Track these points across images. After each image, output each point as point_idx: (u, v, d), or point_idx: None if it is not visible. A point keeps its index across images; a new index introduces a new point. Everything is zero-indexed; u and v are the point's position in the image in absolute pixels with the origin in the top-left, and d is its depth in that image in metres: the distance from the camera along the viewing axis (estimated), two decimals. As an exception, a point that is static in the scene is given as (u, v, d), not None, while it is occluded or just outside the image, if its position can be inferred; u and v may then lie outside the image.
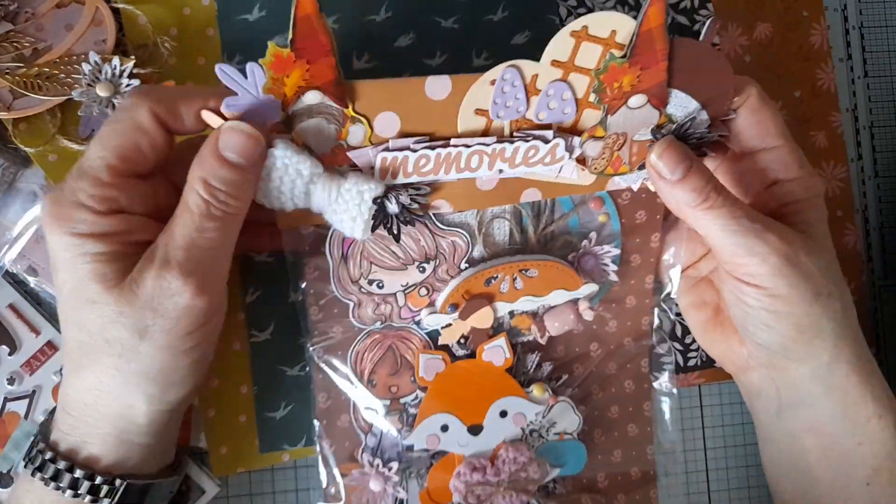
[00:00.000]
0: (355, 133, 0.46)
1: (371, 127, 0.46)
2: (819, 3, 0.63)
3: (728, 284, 0.48)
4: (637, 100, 0.47)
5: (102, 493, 0.43)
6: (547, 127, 0.48)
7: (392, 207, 0.47)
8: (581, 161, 0.49)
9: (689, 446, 0.62)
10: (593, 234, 0.53)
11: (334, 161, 0.46)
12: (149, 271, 0.41)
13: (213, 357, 0.47)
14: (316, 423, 0.53)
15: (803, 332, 0.46)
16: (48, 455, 0.43)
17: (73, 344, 0.43)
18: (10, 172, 0.51)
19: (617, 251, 0.53)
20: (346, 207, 0.45)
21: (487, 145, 0.47)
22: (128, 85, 0.48)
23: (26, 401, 0.52)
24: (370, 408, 0.53)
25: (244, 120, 0.43)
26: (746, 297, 0.47)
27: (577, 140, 0.48)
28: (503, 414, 0.52)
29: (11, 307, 0.52)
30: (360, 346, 0.52)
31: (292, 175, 0.44)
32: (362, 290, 0.51)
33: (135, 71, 0.49)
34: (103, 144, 0.41)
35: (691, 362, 0.60)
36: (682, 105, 0.47)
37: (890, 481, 0.47)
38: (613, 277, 0.54)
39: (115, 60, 0.48)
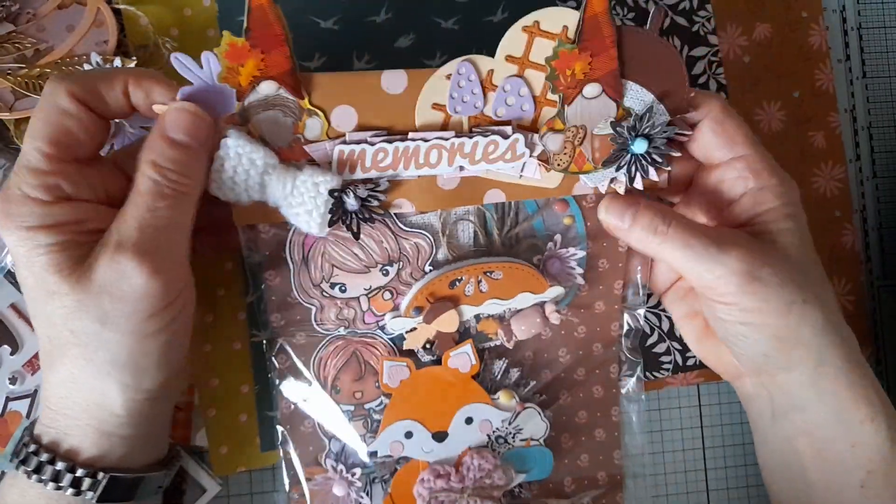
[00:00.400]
0: (312, 126, 0.45)
1: (328, 120, 0.45)
2: (818, 3, 0.62)
3: (703, 303, 0.48)
4: (592, 89, 0.46)
5: (85, 486, 0.42)
6: (506, 123, 0.47)
7: (350, 202, 0.45)
8: (544, 160, 0.48)
9: (687, 445, 0.60)
10: (558, 237, 0.51)
11: (292, 156, 0.45)
12: (103, 256, 0.40)
13: (187, 342, 0.45)
14: (279, 428, 0.51)
15: (783, 341, 0.45)
16: (31, 448, 0.42)
17: (44, 338, 0.42)
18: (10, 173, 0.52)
19: (582, 254, 0.52)
20: (301, 200, 0.44)
21: (446, 139, 0.46)
22: None
23: (28, 400, 0.51)
24: (334, 414, 0.51)
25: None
26: (720, 314, 0.46)
27: (536, 136, 0.47)
28: (469, 421, 0.51)
29: (13, 307, 0.51)
30: (324, 352, 0.50)
31: (246, 165, 0.43)
32: (324, 293, 0.49)
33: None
34: (33, 135, 0.40)
35: (690, 362, 0.59)
36: (638, 98, 0.47)
37: (884, 484, 0.46)
38: (580, 280, 0.52)
39: (117, 61, 0.48)
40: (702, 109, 0.47)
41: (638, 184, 0.48)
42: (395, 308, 0.50)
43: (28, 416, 0.52)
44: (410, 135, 0.46)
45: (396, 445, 0.51)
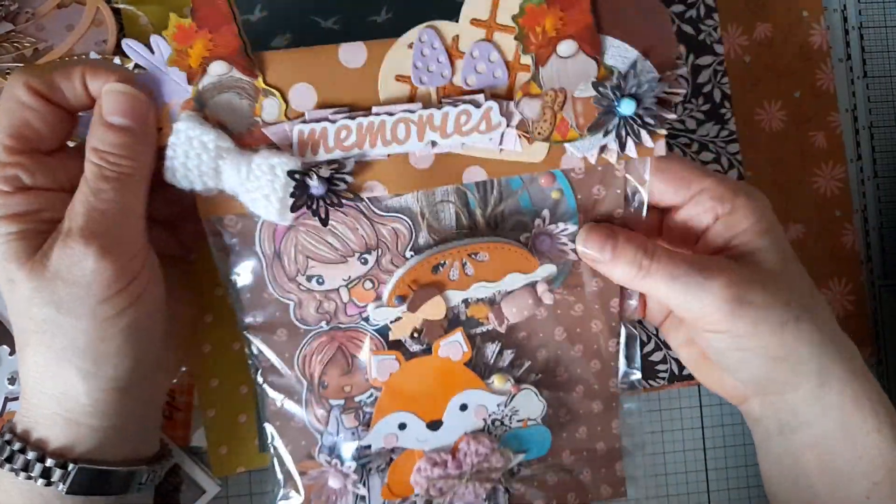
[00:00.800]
0: (269, 107, 0.41)
1: (286, 100, 0.41)
2: (819, 3, 0.59)
3: (695, 334, 0.46)
4: (567, 46, 0.42)
5: (55, 477, 0.40)
6: (478, 92, 0.42)
7: (314, 186, 0.41)
8: (524, 130, 0.43)
9: (688, 446, 0.58)
10: (546, 213, 0.46)
11: (251, 140, 0.42)
12: (57, 243, 0.39)
13: (158, 331, 0.43)
14: (267, 426, 0.48)
15: (781, 362, 0.44)
16: (6, 437, 0.41)
17: (14, 328, 0.41)
18: None
19: (574, 228, 0.47)
20: (258, 185, 0.41)
21: (413, 112, 0.42)
22: None
23: None
24: (323, 409, 0.48)
25: (154, 99, 0.40)
26: (714, 343, 0.44)
27: (512, 104, 0.42)
28: (463, 408, 0.48)
29: None
30: (308, 348, 0.47)
31: (197, 149, 0.40)
32: (301, 287, 0.46)
33: (136, 71, 0.49)
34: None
35: (686, 371, 0.55)
36: (620, 56, 0.42)
37: (890, 494, 0.44)
38: (573, 256, 0.47)
39: (116, 60, 0.47)
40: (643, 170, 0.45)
41: (631, 151, 0.43)
42: (378, 298, 0.47)
43: (27, 416, 0.51)
44: (374, 109, 0.42)
45: (390, 438, 0.48)
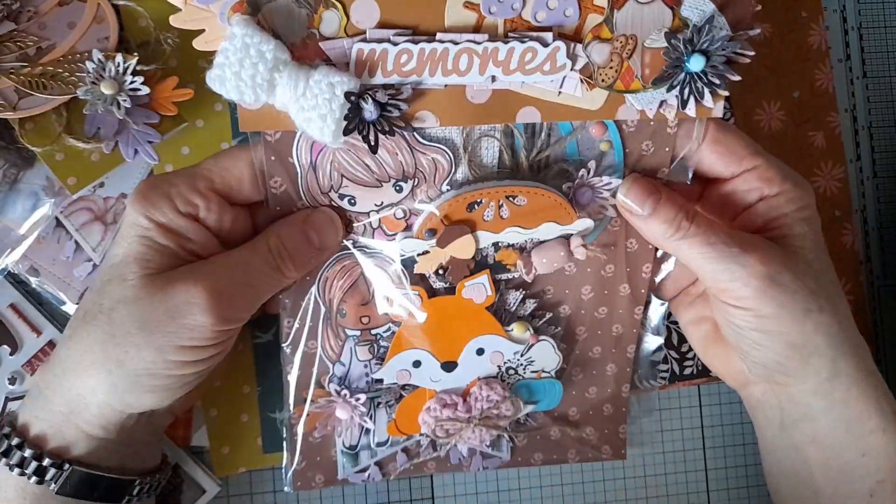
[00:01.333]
0: (329, 21, 0.39)
1: (347, 15, 0.39)
2: (818, 3, 0.59)
3: (716, 307, 0.45)
4: None
5: (48, 476, 0.41)
6: (546, 30, 0.40)
7: (368, 110, 0.39)
8: (587, 76, 0.41)
9: (688, 446, 0.58)
10: (592, 164, 0.45)
11: (305, 55, 0.39)
12: (184, 277, 0.40)
13: (192, 394, 0.46)
14: (283, 346, 0.48)
15: (797, 349, 0.43)
16: (5, 430, 0.42)
17: (80, 311, 0.42)
18: (11, 173, 0.49)
19: (618, 182, 0.45)
20: (314, 103, 0.39)
21: (478, 43, 0.39)
22: (132, 82, 0.46)
23: None
24: (338, 339, 0.48)
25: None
26: (735, 319, 0.44)
27: (580, 47, 0.40)
28: (480, 352, 0.48)
29: (13, 307, 0.51)
30: (330, 271, 0.46)
31: (254, 57, 0.38)
32: (333, 203, 0.44)
33: (138, 68, 0.46)
34: (218, 162, 0.43)
35: (687, 371, 0.57)
36: (696, 7, 0.40)
37: (893, 493, 0.45)
38: (611, 213, 0.46)
39: (119, 58, 0.45)
40: (699, 131, 0.44)
41: (691, 109, 0.42)
42: (408, 228, 0.45)
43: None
44: (438, 36, 0.39)
45: (403, 374, 0.48)
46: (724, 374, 0.50)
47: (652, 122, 0.44)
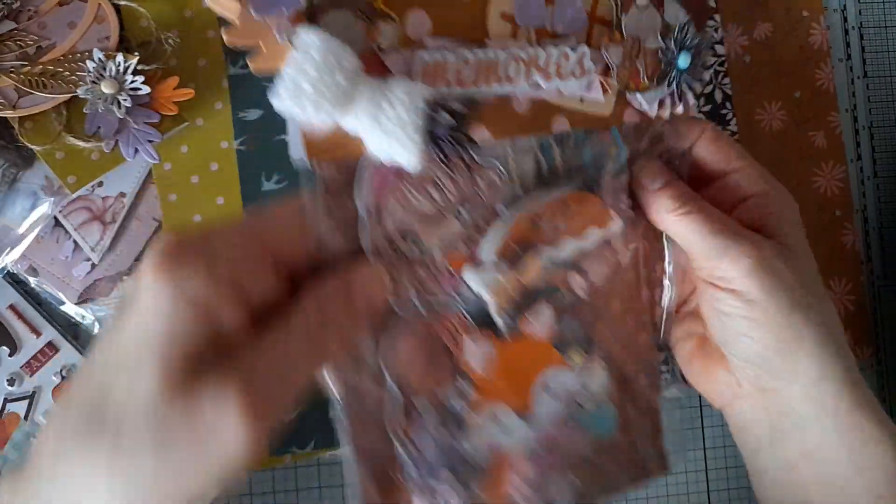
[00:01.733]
0: (386, 33, 0.38)
1: (402, 26, 0.38)
2: (819, 3, 0.59)
3: (705, 295, 0.45)
4: None
5: None
6: (567, 37, 0.42)
7: (444, 122, 0.35)
8: (605, 76, 0.42)
9: (688, 446, 0.58)
10: (610, 167, 0.45)
11: (370, 68, 0.36)
12: (215, 379, 0.31)
13: None
14: (347, 447, 0.40)
15: (784, 342, 0.43)
16: None
17: (74, 412, 0.32)
18: (10, 173, 0.48)
19: (626, 181, 0.45)
20: (398, 119, 0.34)
21: (522, 50, 0.40)
22: (132, 81, 0.46)
23: (26, 402, 0.50)
24: (406, 411, 0.40)
25: (263, 6, 0.34)
26: (722, 305, 0.43)
27: (602, 49, 0.42)
28: (546, 388, 0.43)
29: (12, 308, 0.50)
30: (397, 338, 0.40)
31: (332, 66, 0.33)
32: (399, 249, 0.38)
33: (139, 67, 0.46)
34: (268, 216, 0.36)
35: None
36: (673, 16, 0.44)
37: None
38: (629, 214, 0.45)
39: (119, 57, 0.46)
40: (694, 131, 0.46)
41: (685, 105, 0.44)
42: (471, 261, 0.40)
43: (26, 417, 0.50)
44: (489, 42, 0.39)
45: (486, 436, 0.42)
46: (709, 391, 0.49)
47: (651, 122, 0.46)
